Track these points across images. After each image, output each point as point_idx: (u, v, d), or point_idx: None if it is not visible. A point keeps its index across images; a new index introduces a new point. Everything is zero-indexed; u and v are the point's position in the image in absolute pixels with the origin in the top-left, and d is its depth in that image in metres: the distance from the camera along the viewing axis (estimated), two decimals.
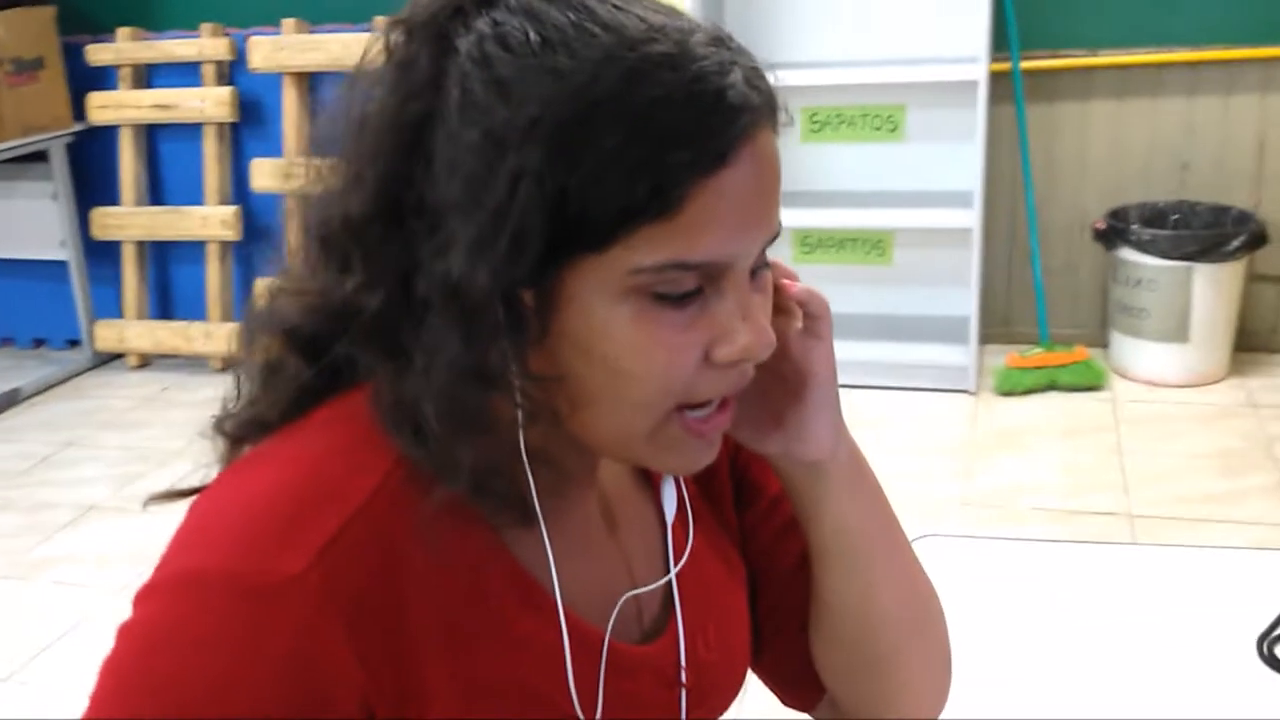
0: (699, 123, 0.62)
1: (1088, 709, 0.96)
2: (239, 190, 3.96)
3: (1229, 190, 3.45)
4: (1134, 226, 3.36)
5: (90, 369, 4.10)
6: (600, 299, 0.64)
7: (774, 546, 0.87)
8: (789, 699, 0.91)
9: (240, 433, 0.71)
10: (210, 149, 3.92)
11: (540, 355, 0.66)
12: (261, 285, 0.75)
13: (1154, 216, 3.45)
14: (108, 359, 4.14)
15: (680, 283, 0.64)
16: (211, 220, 3.93)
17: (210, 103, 3.87)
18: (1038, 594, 1.09)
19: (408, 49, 0.66)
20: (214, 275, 3.98)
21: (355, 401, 0.69)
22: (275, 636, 0.62)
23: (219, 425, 0.73)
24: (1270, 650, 0.99)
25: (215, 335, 3.95)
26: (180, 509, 0.70)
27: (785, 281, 0.75)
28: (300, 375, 0.70)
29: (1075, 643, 1.04)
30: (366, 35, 0.72)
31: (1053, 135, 3.52)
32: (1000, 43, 3.33)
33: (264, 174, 3.83)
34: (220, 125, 3.90)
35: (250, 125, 3.94)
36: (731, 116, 0.62)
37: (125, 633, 0.66)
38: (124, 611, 0.66)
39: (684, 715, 0.78)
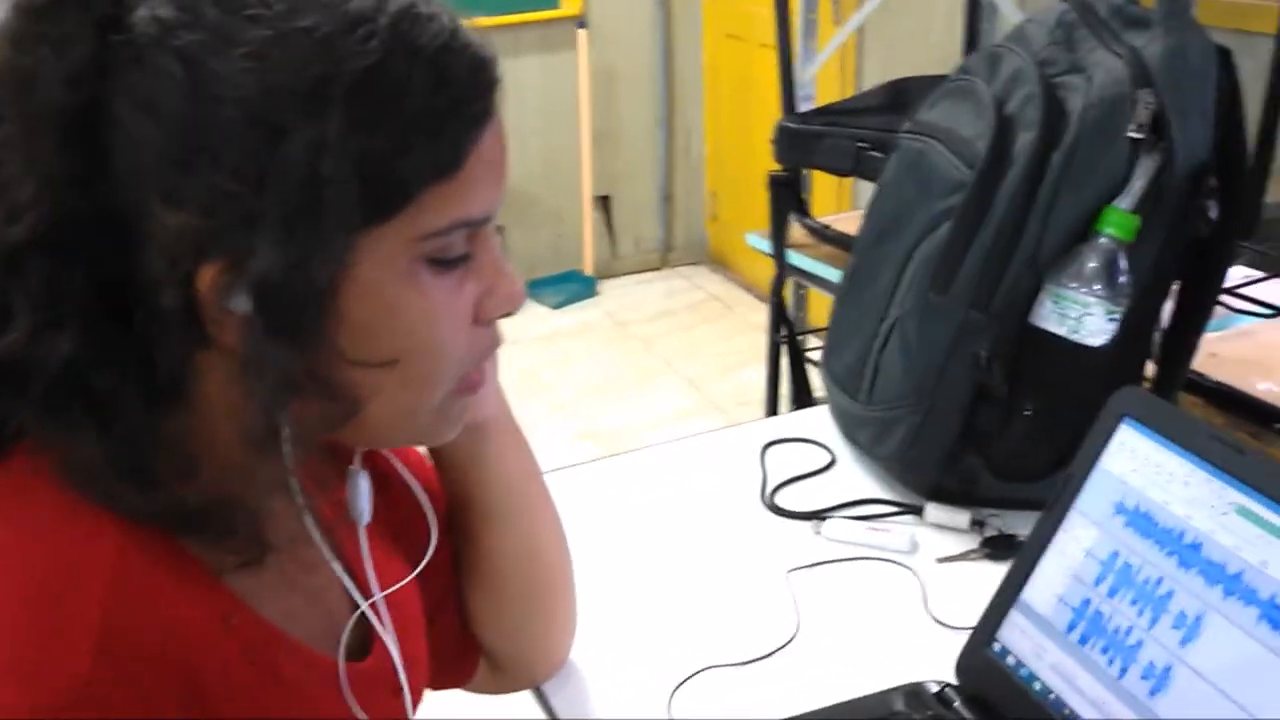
0: (474, 77, 0.59)
1: (657, 578, 1.11)
2: None
3: None
4: None
5: None
6: (388, 275, 0.59)
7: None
8: (447, 678, 0.91)
9: None
10: None
11: (324, 352, 0.59)
12: None
13: None
14: None
15: (455, 245, 0.61)
16: None
17: None
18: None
19: (45, 31, 0.55)
20: None
21: (12, 471, 0.59)
22: None
23: None
24: (772, 500, 1.23)
25: None
26: None
27: None
28: None
29: (622, 538, 1.17)
30: None
31: None
32: None
33: None
34: None
35: None
36: (489, 70, 0.60)
37: None
38: None
39: (412, 715, 0.78)
